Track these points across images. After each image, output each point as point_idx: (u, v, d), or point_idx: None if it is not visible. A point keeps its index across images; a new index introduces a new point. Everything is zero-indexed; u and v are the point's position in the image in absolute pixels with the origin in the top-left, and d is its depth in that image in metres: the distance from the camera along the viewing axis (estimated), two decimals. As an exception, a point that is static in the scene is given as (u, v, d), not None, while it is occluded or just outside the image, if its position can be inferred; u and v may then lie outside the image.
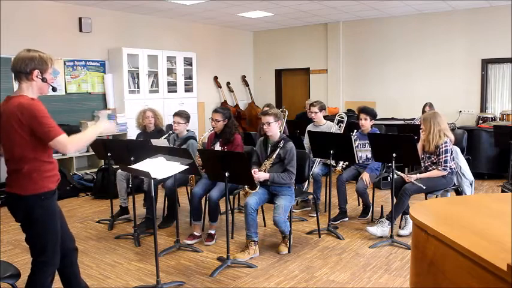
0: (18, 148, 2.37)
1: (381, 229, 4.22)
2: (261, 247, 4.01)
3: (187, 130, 4.91)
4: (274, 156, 3.87)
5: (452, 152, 4.21)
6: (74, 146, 2.42)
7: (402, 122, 7.61)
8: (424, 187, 4.05)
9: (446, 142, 4.14)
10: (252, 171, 3.76)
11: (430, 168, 4.25)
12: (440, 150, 4.14)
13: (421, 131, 4.31)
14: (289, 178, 3.89)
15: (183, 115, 4.80)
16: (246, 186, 3.90)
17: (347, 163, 4.89)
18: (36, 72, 2.42)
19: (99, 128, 2.68)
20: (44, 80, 2.46)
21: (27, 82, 2.43)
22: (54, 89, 2.63)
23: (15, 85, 6.80)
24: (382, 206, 4.89)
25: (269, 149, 3.97)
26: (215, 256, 3.90)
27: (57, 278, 2.70)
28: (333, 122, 5.58)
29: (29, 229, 2.49)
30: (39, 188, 2.41)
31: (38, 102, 2.40)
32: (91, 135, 2.59)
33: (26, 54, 2.44)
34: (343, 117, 5.75)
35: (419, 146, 4.27)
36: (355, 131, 5.01)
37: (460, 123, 7.49)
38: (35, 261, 2.53)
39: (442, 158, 4.13)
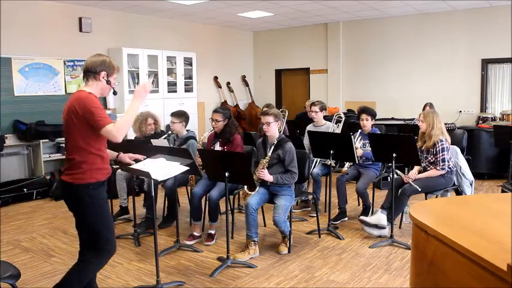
0: (72, 138, 2.59)
1: (377, 226, 4.20)
2: (261, 247, 4.01)
3: (187, 130, 4.91)
4: (269, 154, 3.87)
5: (449, 150, 4.21)
6: (120, 133, 2.55)
7: (402, 122, 7.62)
8: (420, 189, 4.06)
9: (442, 140, 4.15)
10: (260, 170, 3.80)
11: (429, 168, 4.25)
12: (437, 149, 4.14)
13: (420, 124, 4.30)
14: (292, 179, 3.89)
15: (177, 114, 4.80)
16: (245, 187, 3.90)
17: (351, 164, 4.87)
18: (103, 73, 2.68)
19: (135, 105, 2.73)
20: (108, 82, 2.70)
21: (93, 81, 2.68)
22: (115, 93, 2.84)
23: (15, 85, 6.82)
24: (373, 199, 4.88)
25: (268, 149, 3.96)
26: (215, 256, 3.90)
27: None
28: (331, 122, 5.59)
29: (80, 218, 2.65)
30: (88, 178, 2.58)
31: (94, 96, 2.62)
32: (132, 116, 2.76)
33: (99, 57, 2.71)
34: (341, 117, 5.75)
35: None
36: (360, 131, 5.00)
37: (460, 123, 7.49)
38: (88, 247, 2.67)
39: (439, 156, 4.14)
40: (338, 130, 5.49)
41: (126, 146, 4.26)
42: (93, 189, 2.59)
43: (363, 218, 4.31)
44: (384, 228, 4.21)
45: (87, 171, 2.57)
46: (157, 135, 5.16)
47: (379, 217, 4.20)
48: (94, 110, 2.52)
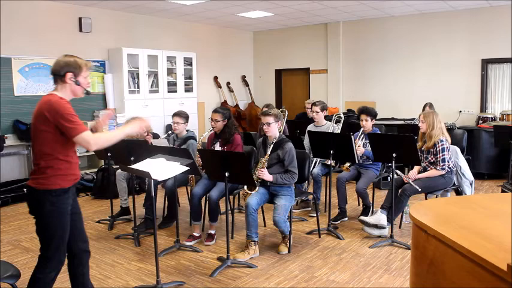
0: (39, 143, 2.52)
1: (377, 225, 4.21)
2: (261, 247, 4.01)
3: (187, 130, 4.92)
4: (269, 152, 3.87)
5: (449, 150, 4.21)
6: (97, 143, 2.52)
7: (402, 122, 7.62)
8: (420, 189, 4.05)
9: (443, 141, 4.15)
10: (260, 169, 3.81)
11: (429, 168, 4.25)
12: (437, 149, 4.15)
13: (420, 125, 4.29)
14: (292, 179, 3.89)
15: (183, 115, 4.80)
16: (245, 187, 3.90)
17: (350, 164, 4.87)
18: (69, 75, 2.56)
19: (126, 130, 2.76)
20: (77, 83, 2.59)
21: (61, 84, 2.58)
22: (88, 93, 2.73)
23: (15, 85, 6.83)
24: (373, 199, 4.88)
25: (267, 148, 3.96)
26: (215, 256, 3.90)
27: (64, 277, 2.70)
28: (331, 121, 5.59)
29: (38, 223, 2.58)
30: (51, 184, 2.50)
31: (66, 101, 2.53)
32: (117, 136, 2.68)
33: (63, 58, 2.60)
34: (340, 117, 5.75)
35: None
36: (362, 130, 4.99)
37: (460, 123, 7.50)
38: (40, 255, 2.62)
39: (439, 157, 4.14)
40: (338, 130, 5.49)
41: (126, 146, 4.28)
42: (56, 196, 2.50)
43: (362, 218, 4.31)
44: (383, 228, 4.21)
45: (51, 177, 2.50)
46: (154, 136, 5.16)
47: (379, 217, 4.20)
48: (67, 116, 2.43)
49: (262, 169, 3.84)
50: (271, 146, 3.88)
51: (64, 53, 2.71)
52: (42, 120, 2.46)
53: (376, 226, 4.22)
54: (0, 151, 5.89)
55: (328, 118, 5.59)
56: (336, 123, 5.62)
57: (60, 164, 2.52)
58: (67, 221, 2.59)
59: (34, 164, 2.57)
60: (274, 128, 3.94)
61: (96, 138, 2.54)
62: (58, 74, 2.56)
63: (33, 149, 2.60)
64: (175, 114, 4.82)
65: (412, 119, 7.35)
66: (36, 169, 2.54)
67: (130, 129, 2.78)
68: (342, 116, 5.83)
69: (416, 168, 4.37)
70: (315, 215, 4.65)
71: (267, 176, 3.83)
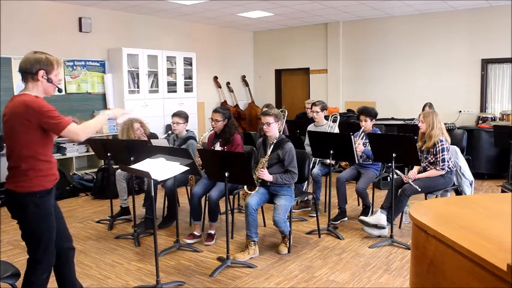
0: (17, 146, 2.44)
1: (377, 226, 4.21)
2: (261, 247, 4.01)
3: (187, 130, 4.92)
4: (269, 152, 3.87)
5: (449, 150, 4.21)
6: (85, 132, 2.54)
7: (402, 122, 7.62)
8: (420, 189, 4.05)
9: (442, 141, 4.15)
10: (260, 169, 3.80)
11: (428, 168, 4.25)
12: (437, 149, 4.15)
13: (420, 125, 4.29)
14: (292, 179, 3.89)
15: (182, 115, 4.80)
16: (245, 187, 3.90)
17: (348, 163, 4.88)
18: (41, 72, 2.47)
19: (107, 114, 2.84)
20: (49, 80, 2.51)
21: (33, 82, 2.50)
22: (59, 90, 2.67)
23: (15, 85, 6.82)
24: (373, 199, 4.88)
25: (267, 148, 3.96)
26: (215, 256, 3.90)
27: (52, 276, 2.70)
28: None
29: (23, 226, 2.53)
30: (34, 186, 2.46)
31: (42, 99, 2.47)
32: (101, 121, 2.73)
33: (33, 55, 2.50)
34: (336, 117, 5.72)
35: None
36: (362, 129, 4.98)
37: (459, 123, 7.49)
38: (28, 258, 2.56)
39: (439, 157, 4.14)
40: (335, 128, 5.46)
41: (126, 146, 4.28)
42: (40, 197, 2.46)
43: (362, 218, 4.31)
44: (383, 228, 4.21)
45: (34, 179, 2.45)
46: (153, 136, 5.16)
47: (379, 217, 4.20)
48: (48, 113, 2.39)
49: (262, 169, 3.84)
50: (272, 146, 3.88)
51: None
52: (21, 123, 2.39)
53: (376, 226, 4.22)
54: (0, 151, 5.89)
55: (327, 118, 5.58)
56: (332, 123, 5.60)
57: (41, 164, 2.48)
58: (53, 221, 2.56)
59: (12, 167, 2.49)
60: (274, 128, 3.95)
61: (83, 127, 2.54)
62: (29, 72, 2.46)
63: (9, 152, 2.51)
64: (174, 115, 4.82)
65: (412, 119, 7.35)
66: (15, 172, 2.46)
67: (112, 113, 2.98)
68: (338, 115, 5.80)
69: (416, 168, 4.37)
70: (315, 215, 4.65)
71: (267, 176, 3.83)
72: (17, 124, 2.41)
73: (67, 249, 2.76)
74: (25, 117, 2.38)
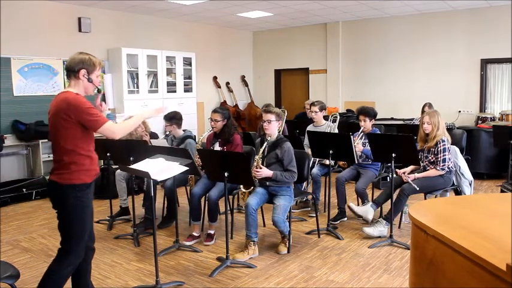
0: (61, 140, 2.58)
1: (378, 229, 4.22)
2: (261, 247, 4.01)
3: (184, 130, 4.91)
4: (261, 150, 3.86)
5: (450, 151, 4.21)
6: (121, 131, 2.71)
7: (402, 122, 7.62)
8: (418, 188, 4.05)
9: (444, 141, 4.15)
10: (255, 169, 3.79)
11: (428, 168, 4.25)
12: (439, 148, 4.14)
13: (425, 126, 4.26)
14: (292, 177, 3.89)
15: (167, 118, 4.81)
16: (241, 187, 3.89)
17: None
18: (83, 71, 2.63)
19: (144, 114, 3.04)
20: (89, 80, 2.66)
21: (75, 80, 2.66)
22: (99, 90, 2.84)
23: (15, 85, 6.82)
24: (381, 206, 4.88)
25: (264, 146, 3.93)
26: (214, 256, 3.90)
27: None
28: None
29: (61, 216, 2.64)
30: (75, 179, 2.58)
31: (82, 96, 2.62)
32: (136, 122, 2.90)
33: (78, 55, 2.67)
34: (336, 116, 5.73)
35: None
36: (361, 129, 4.98)
37: (459, 123, 7.50)
38: (60, 248, 2.66)
39: (440, 157, 4.14)
40: (335, 128, 5.47)
41: (126, 146, 4.28)
42: (79, 190, 2.58)
43: (351, 204, 4.32)
44: (367, 222, 4.22)
45: (75, 172, 2.57)
46: (154, 136, 5.16)
47: (367, 210, 4.23)
48: (88, 110, 2.53)
49: (257, 169, 3.82)
50: (266, 144, 3.87)
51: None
52: (63, 118, 2.52)
53: (367, 222, 4.27)
54: (0, 151, 5.89)
55: (327, 118, 5.59)
56: (332, 123, 5.61)
57: (83, 159, 2.60)
58: (89, 215, 2.68)
59: (56, 160, 2.63)
60: (274, 127, 3.94)
61: (119, 127, 2.71)
62: (72, 70, 2.63)
63: (54, 146, 2.66)
64: (165, 119, 4.82)
65: (412, 119, 7.35)
66: (59, 165, 2.60)
67: (148, 114, 3.14)
68: (338, 115, 5.81)
69: (410, 167, 4.38)
70: (314, 215, 4.65)
71: (266, 173, 3.82)
72: (59, 119, 2.54)
73: (88, 249, 2.81)
74: (66, 113, 2.51)
